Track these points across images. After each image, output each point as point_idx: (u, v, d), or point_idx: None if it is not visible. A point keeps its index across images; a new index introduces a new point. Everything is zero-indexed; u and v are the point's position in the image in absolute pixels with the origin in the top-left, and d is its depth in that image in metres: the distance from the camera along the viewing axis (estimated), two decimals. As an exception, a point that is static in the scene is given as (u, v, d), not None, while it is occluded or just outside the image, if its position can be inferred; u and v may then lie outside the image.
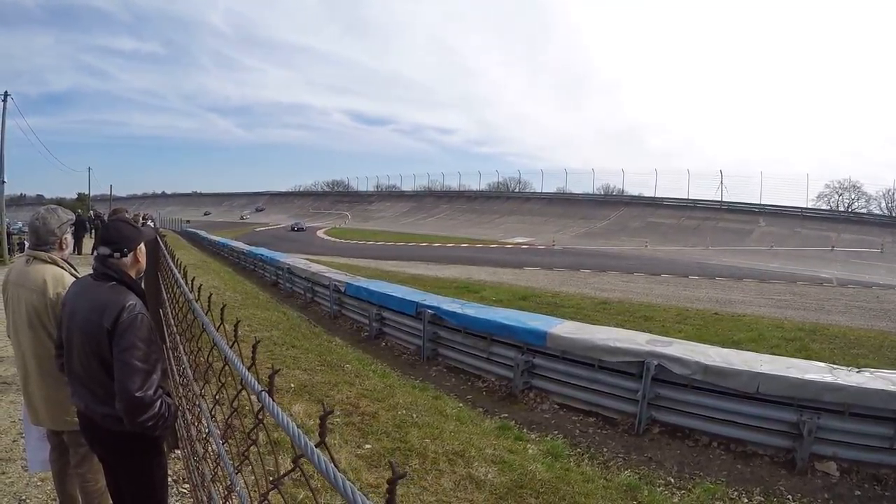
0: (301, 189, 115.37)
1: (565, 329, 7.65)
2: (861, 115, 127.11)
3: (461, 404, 6.98)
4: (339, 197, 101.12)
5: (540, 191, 77.04)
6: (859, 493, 5.44)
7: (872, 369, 6.83)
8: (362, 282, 12.20)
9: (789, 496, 5.25)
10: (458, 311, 8.86)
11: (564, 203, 67.63)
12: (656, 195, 63.10)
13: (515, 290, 16.60)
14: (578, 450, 5.88)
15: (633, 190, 70.58)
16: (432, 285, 16.21)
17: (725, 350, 7.28)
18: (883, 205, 58.72)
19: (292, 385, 6.37)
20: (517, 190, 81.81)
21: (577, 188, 73.98)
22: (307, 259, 18.91)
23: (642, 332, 8.39)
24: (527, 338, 7.61)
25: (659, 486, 5.14)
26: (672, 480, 5.36)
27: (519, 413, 6.94)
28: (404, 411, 5.86)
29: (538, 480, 4.56)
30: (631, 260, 30.25)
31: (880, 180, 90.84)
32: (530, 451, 5.43)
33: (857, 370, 6.57)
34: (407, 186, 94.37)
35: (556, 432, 6.33)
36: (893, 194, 57.82)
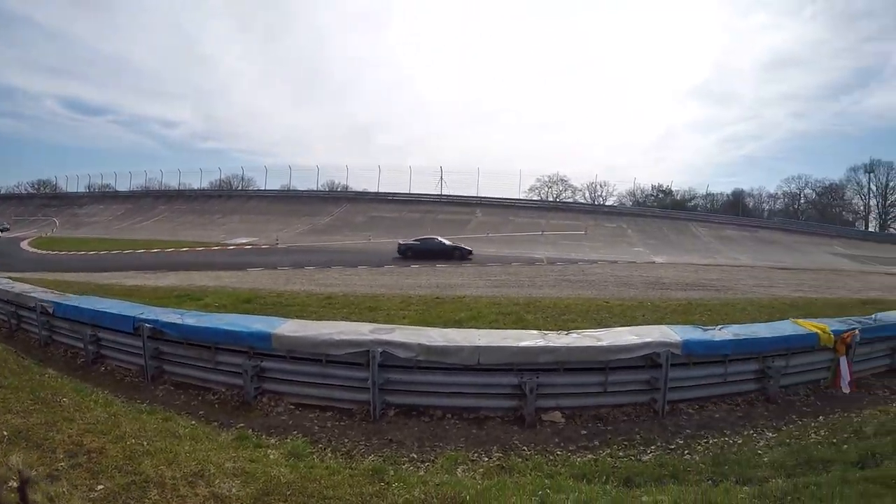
0: (1, 192, 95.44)
1: (289, 328, 9.13)
2: (569, 116, 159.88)
3: (194, 422, 7.83)
4: (45, 200, 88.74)
5: (264, 188, 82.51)
6: (585, 431, 8.16)
7: (580, 330, 9.87)
8: (72, 299, 12.24)
9: (524, 448, 7.58)
10: (179, 321, 9.68)
11: (288, 200, 74.01)
12: (380, 191, 74.42)
13: (239, 294, 18.17)
14: (320, 446, 7.31)
15: (357, 186, 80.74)
16: (151, 296, 16.85)
17: (446, 330, 9.69)
18: (586, 195, 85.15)
19: (5, 433, 6.40)
20: (240, 188, 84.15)
21: (301, 185, 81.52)
22: (9, 278, 16.61)
23: (367, 323, 10.37)
24: (252, 342, 8.87)
25: (404, 464, 6.88)
26: (415, 456, 7.19)
27: (255, 420, 8.12)
28: (134, 440, 6.42)
29: (284, 484, 5.65)
30: (355, 254, 33.63)
31: (585, 174, 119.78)
32: (272, 456, 6.56)
33: (566, 333, 9.46)
34: (123, 186, 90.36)
35: (295, 433, 7.67)
36: (595, 186, 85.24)
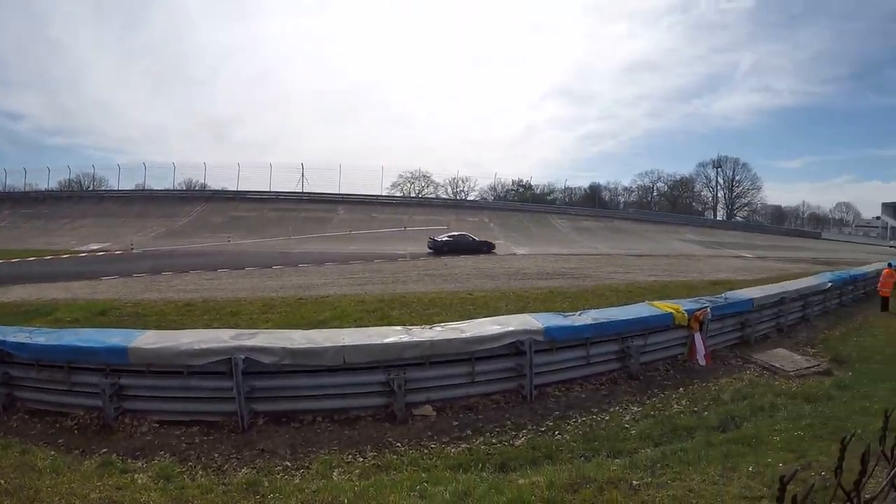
0: None
1: (147, 340, 8.60)
2: (433, 112, 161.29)
3: (54, 452, 7.19)
4: None
5: (117, 188, 75.41)
6: (457, 422, 8.32)
7: (444, 323, 10.01)
8: None
9: (398, 444, 7.63)
10: (27, 341, 8.78)
11: (144, 201, 68.60)
12: (239, 189, 71.04)
13: (93, 305, 16.83)
14: (190, 464, 7.00)
15: (216, 184, 76.35)
16: None
17: (310, 331, 9.53)
18: (449, 190, 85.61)
19: None
20: (91, 188, 76.49)
21: (157, 184, 75.37)
22: None
23: (228, 329, 10.00)
24: (108, 357, 8.25)
25: (278, 474, 6.73)
26: (289, 464, 7.06)
27: (119, 444, 7.59)
28: None
29: None
30: (214, 256, 32.30)
31: (447, 170, 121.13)
32: (140, 480, 6.23)
33: (430, 327, 9.54)
34: None
35: (162, 453, 7.29)
36: (457, 181, 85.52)
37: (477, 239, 39.05)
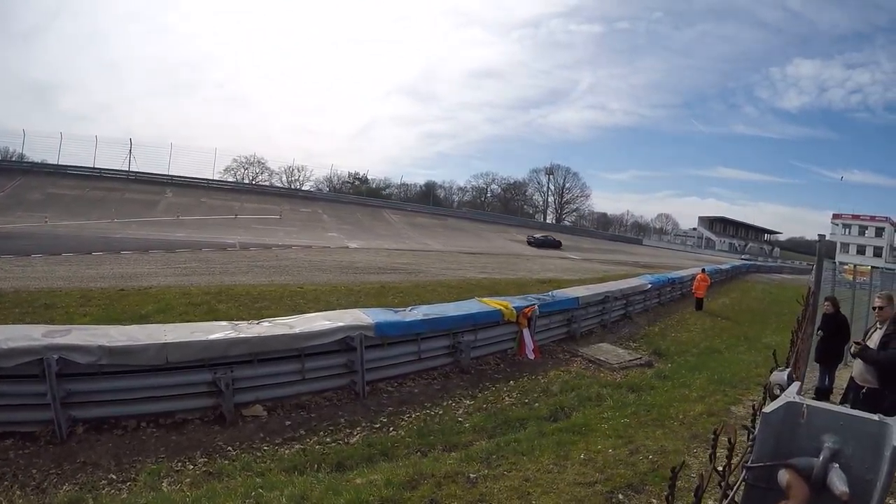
0: None
1: None
2: (273, 97, 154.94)
3: None
4: None
5: None
6: (289, 422, 8.23)
7: (273, 318, 9.85)
8: None
9: (229, 448, 7.43)
10: None
11: None
12: (60, 163, 64.29)
13: None
14: (6, 482, 6.29)
15: (35, 156, 67.79)
16: None
17: (129, 327, 8.91)
18: (284, 178, 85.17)
19: None
20: None
21: None
22: None
23: (40, 325, 9.20)
24: None
25: (103, 489, 6.30)
26: (114, 477, 6.60)
27: None
28: None
29: None
30: (27, 240, 28.70)
31: (283, 158, 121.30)
32: None
33: (258, 322, 9.35)
34: None
35: None
36: (292, 170, 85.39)
37: (555, 238, 52.89)
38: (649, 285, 20.29)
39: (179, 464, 6.87)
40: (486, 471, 6.10)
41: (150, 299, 15.08)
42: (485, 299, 12.61)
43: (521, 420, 8.26)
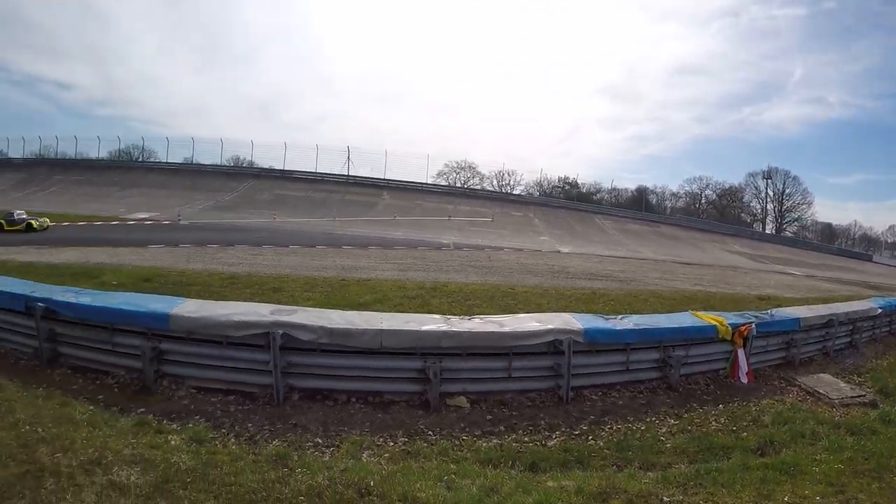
0: None
1: (188, 308, 8.79)
2: (480, 103, 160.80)
3: (93, 407, 7.40)
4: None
5: (165, 161, 77.50)
6: (490, 417, 8.29)
7: (483, 316, 9.94)
8: None
9: (430, 432, 7.65)
10: (74, 300, 9.11)
11: (191, 174, 70.44)
12: (286, 168, 72.45)
13: (138, 272, 17.46)
14: (223, 431, 7.11)
15: (263, 162, 78.62)
16: (46, 273, 15.88)
17: (349, 312, 9.65)
18: (494, 182, 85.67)
19: None
20: (140, 159, 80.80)
21: (205, 159, 77.69)
22: None
23: (268, 304, 10.06)
24: (150, 322, 8.49)
25: (309, 450, 6.80)
26: (320, 441, 7.13)
27: (156, 405, 7.80)
28: (28, 427, 6.11)
29: (184, 471, 5.50)
30: (260, 232, 32.96)
31: (493, 162, 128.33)
32: (173, 442, 6.36)
33: (469, 318, 9.48)
34: (16, 153, 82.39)
35: (197, 417, 7.45)
36: (502, 174, 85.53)
37: None
38: (879, 310, 17.37)
39: (381, 439, 7.21)
40: (682, 497, 5.72)
41: (368, 290, 16.14)
42: (699, 313, 11.74)
43: (726, 448, 7.59)
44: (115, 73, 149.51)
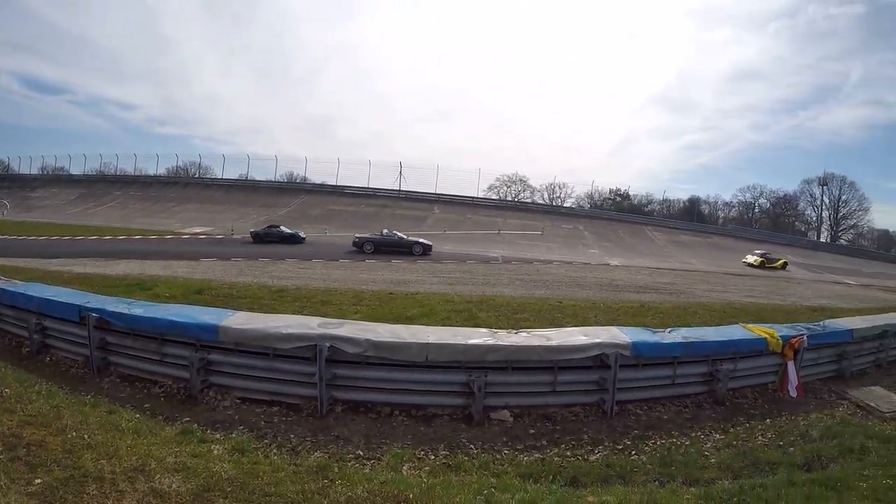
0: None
1: (237, 321, 9.02)
2: (530, 117, 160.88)
3: (138, 415, 7.64)
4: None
5: (221, 177, 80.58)
6: (533, 431, 8.25)
7: (530, 329, 9.91)
8: (19, 286, 11.90)
9: (472, 446, 7.63)
10: (126, 311, 9.47)
11: (245, 190, 72.91)
12: (338, 184, 73.99)
13: (190, 284, 18.05)
14: (266, 441, 7.24)
15: (316, 178, 79.65)
16: (101, 284, 16.69)
17: (395, 326, 9.70)
18: (545, 196, 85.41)
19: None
20: (197, 175, 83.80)
21: (259, 175, 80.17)
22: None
23: (316, 317, 10.23)
24: (199, 333, 8.74)
25: (350, 462, 6.83)
26: (361, 453, 7.17)
27: (201, 414, 8.02)
28: (75, 433, 6.24)
29: (225, 480, 5.57)
30: (310, 247, 34.31)
31: (544, 175, 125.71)
32: (215, 451, 6.47)
33: (516, 332, 9.48)
34: (77, 169, 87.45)
35: (241, 427, 7.61)
36: (553, 188, 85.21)
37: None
38: (937, 320, 16.60)
39: (422, 452, 7.22)
40: (725, 513, 5.56)
41: (416, 303, 16.23)
42: (749, 325, 11.42)
43: (772, 464, 7.36)
44: (175, 93, 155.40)
